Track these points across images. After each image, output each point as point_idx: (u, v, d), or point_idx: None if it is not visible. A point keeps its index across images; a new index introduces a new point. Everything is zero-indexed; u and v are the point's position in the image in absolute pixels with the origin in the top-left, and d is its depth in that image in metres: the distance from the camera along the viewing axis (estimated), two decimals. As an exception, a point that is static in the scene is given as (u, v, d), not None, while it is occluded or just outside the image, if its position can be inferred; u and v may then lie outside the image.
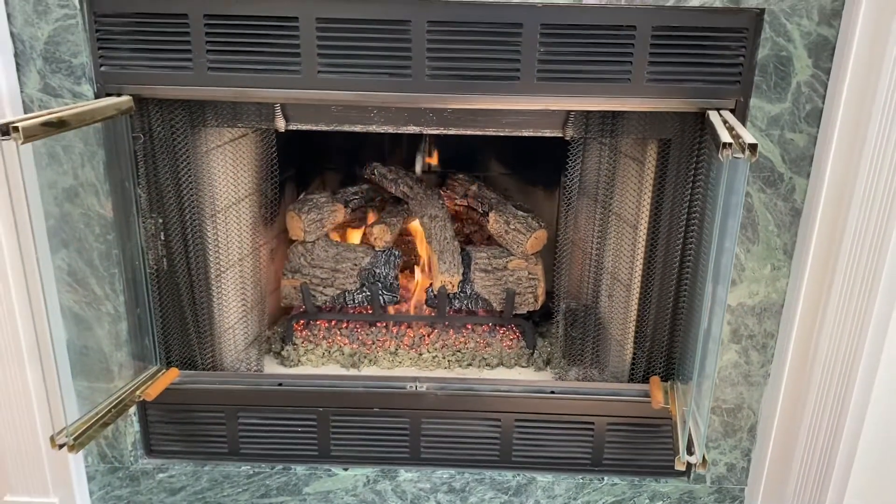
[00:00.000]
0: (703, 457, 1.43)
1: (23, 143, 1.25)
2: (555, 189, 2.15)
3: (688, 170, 1.56)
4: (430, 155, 2.08)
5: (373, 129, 1.59)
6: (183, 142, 1.58)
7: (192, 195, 1.63)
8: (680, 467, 1.44)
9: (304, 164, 2.15)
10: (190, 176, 1.61)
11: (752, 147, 1.22)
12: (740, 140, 1.25)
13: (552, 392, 1.73)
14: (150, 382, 1.68)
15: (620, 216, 1.70)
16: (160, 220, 1.64)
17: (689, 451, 1.45)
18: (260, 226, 1.84)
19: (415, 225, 2.04)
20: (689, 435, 1.46)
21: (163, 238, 1.65)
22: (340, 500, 1.81)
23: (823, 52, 1.42)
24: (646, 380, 1.74)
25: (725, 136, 1.28)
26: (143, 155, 1.58)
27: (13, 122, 1.24)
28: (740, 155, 1.24)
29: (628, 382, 1.76)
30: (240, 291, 1.80)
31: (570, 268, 1.78)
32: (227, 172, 1.69)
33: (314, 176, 2.21)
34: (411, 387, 1.73)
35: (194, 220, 1.65)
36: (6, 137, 1.24)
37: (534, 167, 2.17)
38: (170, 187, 1.61)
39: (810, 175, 1.51)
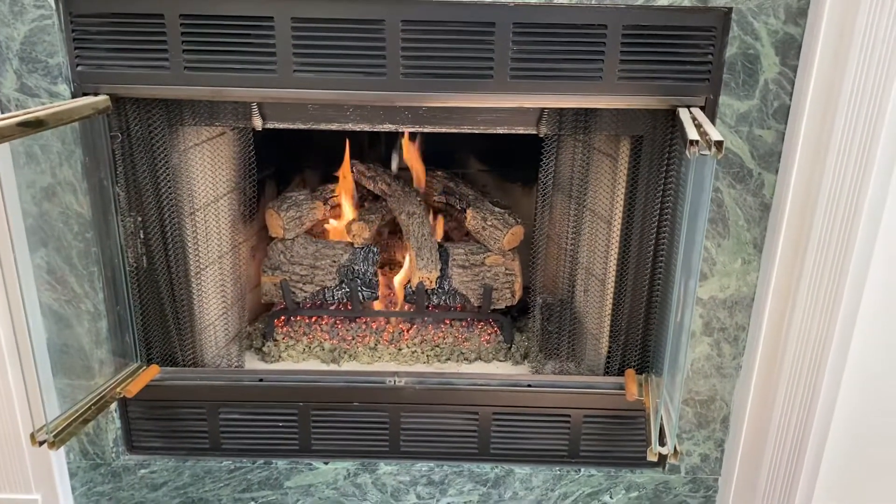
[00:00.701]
0: (675, 447, 1.46)
1: (-1, 143, 1.26)
2: (532, 185, 2.17)
3: (660, 165, 1.59)
4: (407, 152, 2.09)
5: (349, 127, 1.61)
6: (161, 140, 1.59)
7: (170, 193, 1.63)
8: (652, 458, 1.47)
9: (283, 163, 2.16)
10: (168, 174, 1.62)
11: (719, 144, 1.25)
12: (707, 137, 1.28)
13: (529, 385, 1.76)
14: (130, 379, 1.69)
15: (595, 212, 1.72)
16: (139, 219, 1.65)
17: (662, 442, 1.48)
18: (239, 223, 1.85)
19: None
20: (662, 426, 1.49)
21: (142, 236, 1.66)
22: (321, 494, 1.83)
23: (790, 49, 1.45)
24: (621, 372, 1.76)
25: (693, 134, 1.31)
26: (121, 154, 1.59)
27: (-12, 123, 1.25)
28: (707, 152, 1.26)
29: (604, 375, 1.78)
30: (220, 288, 1.82)
31: (545, 263, 1.81)
32: (206, 170, 1.71)
33: (293, 174, 2.22)
34: (391, 381, 1.75)
35: (173, 218, 1.66)
36: (-18, 138, 1.25)
37: (511, 163, 2.19)
38: (148, 186, 1.61)
39: (779, 170, 1.54)
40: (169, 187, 1.63)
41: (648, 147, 1.59)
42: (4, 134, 1.27)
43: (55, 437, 1.47)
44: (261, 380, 1.77)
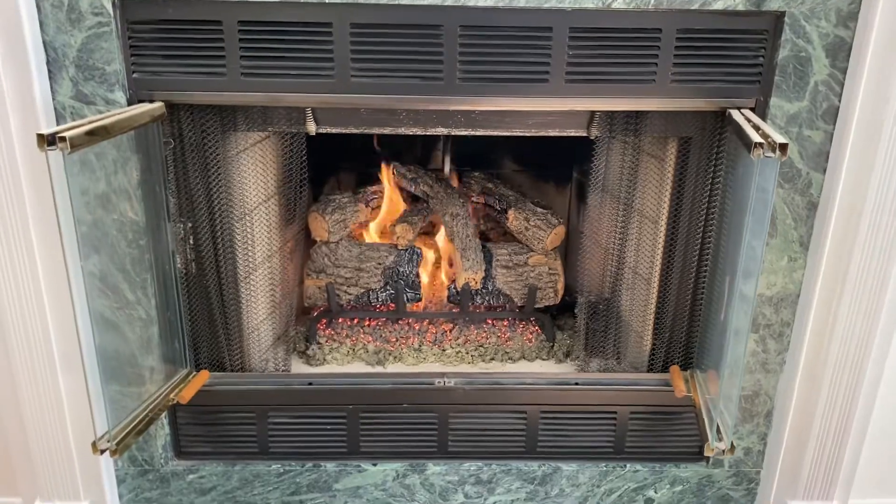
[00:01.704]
0: (731, 444, 1.49)
1: (70, 153, 1.25)
2: (565, 185, 2.19)
3: (707, 167, 1.61)
4: (446, 154, 2.11)
5: (401, 131, 1.62)
6: (213, 146, 1.59)
7: (222, 197, 1.63)
8: (709, 454, 1.49)
9: (319, 164, 2.16)
10: (220, 179, 1.62)
11: (783, 147, 1.27)
12: (770, 140, 1.30)
13: (576, 383, 1.78)
14: (182, 385, 1.69)
15: (641, 212, 1.74)
16: (189, 224, 1.64)
17: (718, 438, 1.51)
18: (284, 224, 1.85)
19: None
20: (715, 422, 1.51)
21: (191, 241, 1.66)
22: (370, 495, 1.84)
23: (840, 52, 1.48)
24: (665, 369, 1.79)
25: (756, 136, 1.32)
26: (172, 160, 1.59)
27: (60, 132, 1.25)
28: (771, 154, 1.29)
29: (648, 372, 1.81)
30: (268, 290, 1.82)
31: (590, 262, 1.83)
32: (256, 173, 1.70)
33: (329, 175, 2.22)
34: (439, 382, 1.76)
35: (224, 222, 1.65)
36: (52, 147, 1.25)
37: (544, 164, 2.21)
38: (200, 191, 1.61)
39: (826, 170, 1.56)
40: (220, 191, 1.63)
41: (696, 148, 1.62)
42: (76, 143, 1.26)
43: (117, 444, 1.47)
44: (310, 383, 1.77)
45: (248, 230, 1.72)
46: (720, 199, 1.61)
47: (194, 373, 1.75)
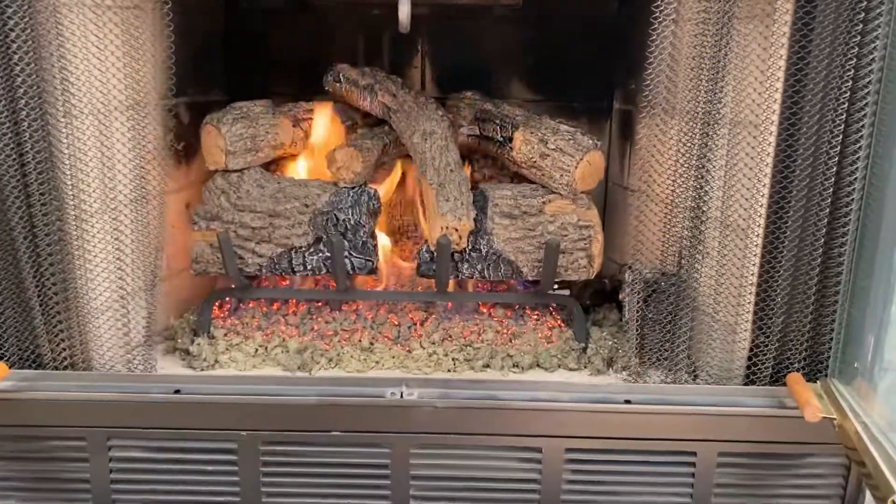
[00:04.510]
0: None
1: None
2: (603, 119, 1.63)
3: (850, 23, 1.03)
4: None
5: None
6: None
7: (31, 75, 1.06)
8: None
9: (241, 81, 1.59)
10: (29, 39, 1.05)
11: None
12: None
13: (627, 402, 1.13)
14: (-50, 385, 1.02)
15: (735, 119, 1.16)
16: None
17: None
18: (159, 155, 1.20)
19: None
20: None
21: (-19, 143, 1.06)
22: (277, 591, 1.14)
23: None
24: (776, 381, 1.20)
25: None
26: (-56, -5, 1.02)
27: None
28: None
29: (746, 385, 1.21)
30: (117, 250, 1.16)
31: (647, 215, 1.21)
32: (90, 51, 1.10)
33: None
34: (394, 394, 1.12)
35: (35, 119, 1.08)
36: None
37: (571, 88, 1.66)
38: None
39: None
40: (30, 63, 1.05)
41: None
42: None
43: None
44: (177, 391, 1.15)
45: (87, 141, 1.13)
46: (881, 77, 1.02)
47: (-16, 367, 1.09)
